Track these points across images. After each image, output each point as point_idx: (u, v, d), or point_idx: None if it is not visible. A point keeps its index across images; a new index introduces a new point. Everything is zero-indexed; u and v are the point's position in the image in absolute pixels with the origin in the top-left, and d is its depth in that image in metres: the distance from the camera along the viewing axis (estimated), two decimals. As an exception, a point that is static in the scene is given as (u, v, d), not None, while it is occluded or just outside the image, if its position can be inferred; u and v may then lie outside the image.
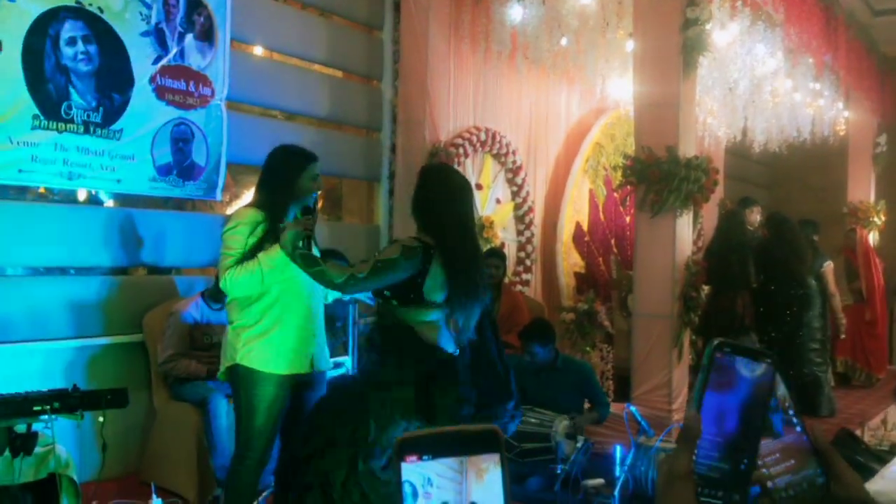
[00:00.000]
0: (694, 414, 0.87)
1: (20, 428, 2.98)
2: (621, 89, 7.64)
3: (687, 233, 5.62)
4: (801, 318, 6.44)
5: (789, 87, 7.94)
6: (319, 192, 3.66)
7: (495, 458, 0.74)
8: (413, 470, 0.71)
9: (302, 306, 3.39)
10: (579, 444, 4.62)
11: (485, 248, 6.61)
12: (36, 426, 3.00)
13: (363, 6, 6.57)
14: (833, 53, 7.77)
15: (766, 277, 6.55)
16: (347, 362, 4.28)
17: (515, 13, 6.35)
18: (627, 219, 7.80)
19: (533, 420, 4.76)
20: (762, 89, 7.72)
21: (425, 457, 0.71)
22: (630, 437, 4.48)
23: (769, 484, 0.88)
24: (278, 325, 3.33)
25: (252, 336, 3.31)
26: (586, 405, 5.23)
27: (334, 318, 5.10)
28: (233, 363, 3.33)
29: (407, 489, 0.71)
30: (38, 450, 3.11)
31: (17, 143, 4.22)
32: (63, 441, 3.51)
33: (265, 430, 3.33)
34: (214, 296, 4.52)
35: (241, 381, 3.32)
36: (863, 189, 9.60)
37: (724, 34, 6.52)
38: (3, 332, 4.17)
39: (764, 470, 0.90)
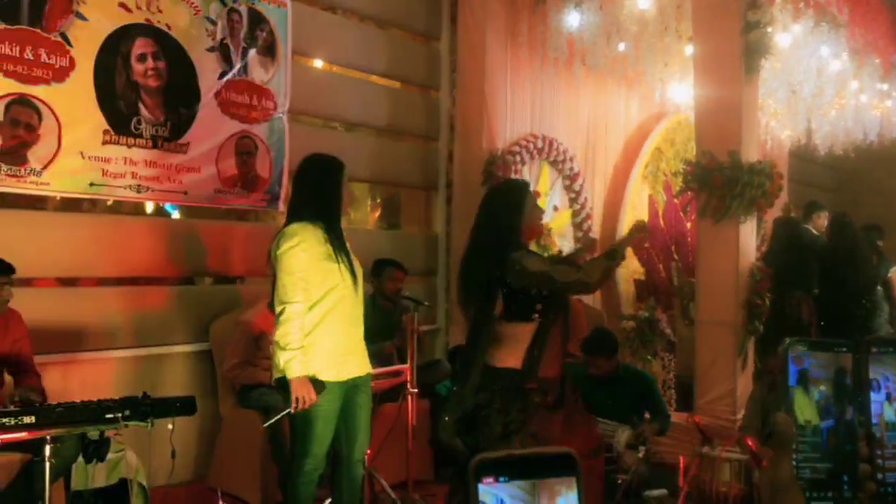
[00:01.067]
0: (785, 417, 0.86)
1: (93, 435, 3.07)
2: (681, 93, 7.55)
3: (751, 239, 5.51)
4: (867, 326, 6.26)
5: (855, 88, 7.75)
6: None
7: (570, 480, 0.75)
8: (488, 491, 0.73)
9: (350, 313, 3.45)
10: (641, 455, 4.57)
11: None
12: (108, 433, 3.09)
13: (421, 17, 6.62)
14: (901, 54, 7.56)
15: (827, 284, 6.39)
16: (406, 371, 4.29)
17: (573, 19, 6.32)
18: (688, 225, 7.68)
19: (595, 430, 4.73)
20: (827, 91, 7.54)
21: (501, 479, 0.72)
22: (694, 447, 4.41)
23: (879, 475, 0.86)
24: (331, 332, 3.39)
25: (310, 344, 3.35)
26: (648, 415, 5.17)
27: (392, 326, 5.15)
28: (279, 375, 3.38)
29: (482, 511, 0.72)
30: (109, 456, 3.21)
31: (89, 157, 4.36)
32: (134, 447, 3.62)
33: (322, 437, 3.37)
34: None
35: (285, 392, 3.37)
36: (932, 191, 9.31)
37: (787, 36, 6.40)
38: (76, 342, 4.32)
39: (879, 461, 0.88)
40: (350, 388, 3.46)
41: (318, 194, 3.48)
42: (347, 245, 3.52)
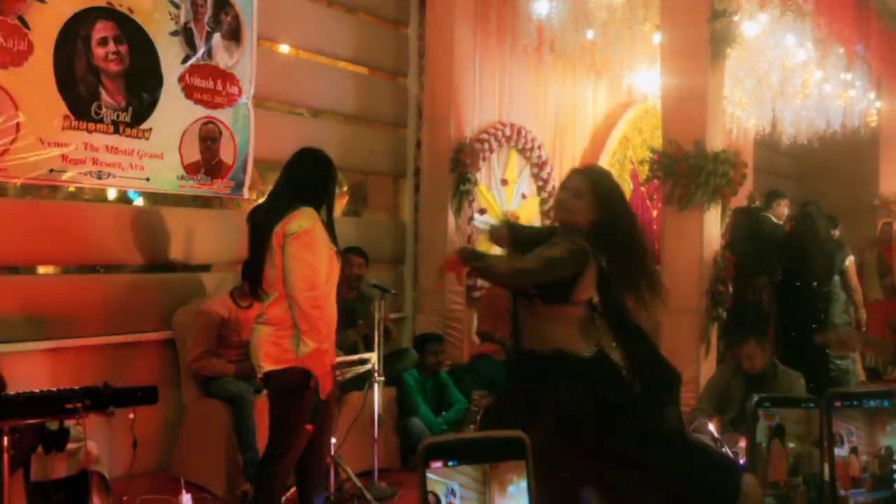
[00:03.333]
0: (753, 480, 0.84)
1: (53, 425, 3.02)
2: (649, 82, 7.58)
3: (715, 227, 5.57)
4: (824, 315, 6.36)
5: (819, 77, 7.83)
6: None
7: (520, 464, 0.74)
8: (438, 477, 0.72)
9: (334, 305, 3.38)
10: None
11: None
12: (67, 423, 3.04)
13: (389, 2, 6.58)
14: (864, 43, 7.65)
15: (786, 272, 6.47)
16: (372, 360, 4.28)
17: (541, 6, 6.32)
18: (654, 213, 7.74)
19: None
20: (792, 81, 7.62)
21: (451, 462, 0.71)
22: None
23: None
24: (332, 321, 3.33)
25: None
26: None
27: (355, 315, 5.12)
28: (288, 366, 3.25)
29: (431, 500, 0.71)
30: (69, 446, 3.16)
31: (48, 143, 4.28)
32: (94, 437, 3.56)
33: (305, 431, 3.33)
34: (244, 294, 4.54)
35: (296, 382, 3.24)
36: (895, 180, 9.44)
37: (754, 25, 6.44)
38: (36, 330, 4.24)
39: None
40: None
41: (323, 182, 3.40)
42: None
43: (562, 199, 3.04)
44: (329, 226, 3.38)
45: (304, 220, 3.22)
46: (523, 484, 0.72)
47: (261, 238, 3.30)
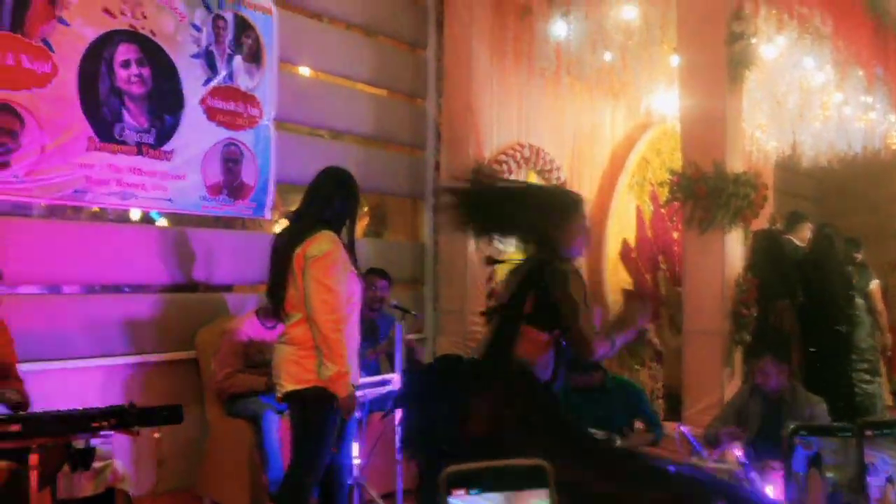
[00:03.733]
0: None
1: (79, 444, 3.04)
2: (667, 104, 7.58)
3: (737, 249, 5.53)
4: (848, 338, 6.30)
5: (839, 100, 7.80)
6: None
7: (542, 493, 0.74)
8: (460, 504, 0.72)
9: (356, 326, 3.40)
10: None
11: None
12: (94, 442, 3.06)
13: (407, 25, 6.63)
14: (884, 66, 7.61)
15: (809, 295, 6.42)
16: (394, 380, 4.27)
17: (559, 29, 6.35)
18: (675, 234, 7.71)
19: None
20: (811, 103, 7.59)
21: (473, 491, 0.72)
22: (682, 457, 4.41)
23: None
24: (352, 342, 3.34)
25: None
26: (637, 425, 5.16)
27: (377, 334, 5.13)
28: (309, 385, 3.27)
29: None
30: (95, 465, 3.18)
31: (73, 164, 4.34)
32: (120, 456, 3.59)
33: (328, 451, 3.34)
34: (269, 314, 4.57)
35: (317, 401, 3.26)
36: (916, 202, 9.37)
37: (772, 48, 6.44)
38: (61, 349, 4.28)
39: None
40: None
41: (339, 204, 3.41)
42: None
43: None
44: (350, 246, 3.41)
45: (324, 244, 3.24)
46: (547, 510, 0.72)
47: (282, 260, 3.32)
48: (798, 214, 7.41)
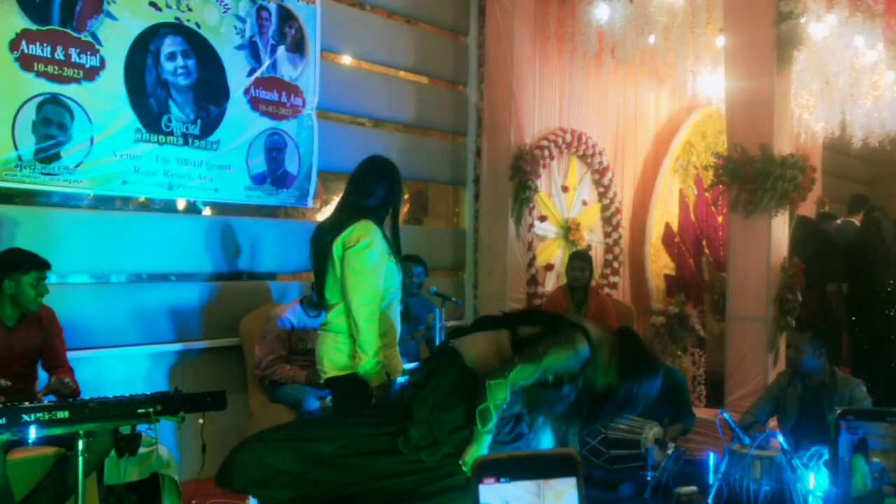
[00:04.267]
0: None
1: (125, 429, 3.12)
2: (713, 86, 7.46)
3: (783, 233, 5.44)
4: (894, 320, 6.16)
5: (891, 79, 7.59)
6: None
7: (572, 481, 0.75)
8: (491, 492, 0.73)
9: (395, 315, 3.42)
10: (670, 451, 4.54)
11: (571, 250, 6.58)
12: (140, 427, 3.14)
13: (449, 12, 6.62)
14: (939, 43, 7.39)
15: (857, 279, 6.29)
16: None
17: (602, 12, 6.28)
18: (720, 219, 7.60)
19: (623, 426, 4.71)
20: (862, 82, 7.40)
21: (503, 479, 0.73)
22: (724, 444, 4.38)
23: None
24: (392, 331, 3.37)
25: (383, 347, 3.31)
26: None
27: (419, 321, 5.16)
28: (349, 372, 3.29)
29: (486, 512, 0.72)
30: (141, 450, 3.26)
31: (121, 155, 4.43)
32: (165, 442, 3.67)
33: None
34: (313, 304, 4.63)
35: (355, 388, 3.29)
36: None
37: (821, 26, 6.29)
38: (109, 337, 4.39)
39: None
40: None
41: (385, 201, 3.41)
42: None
43: None
44: (394, 235, 3.42)
45: (361, 233, 3.24)
46: (575, 497, 0.73)
47: (322, 249, 3.35)
48: (860, 198, 7.25)
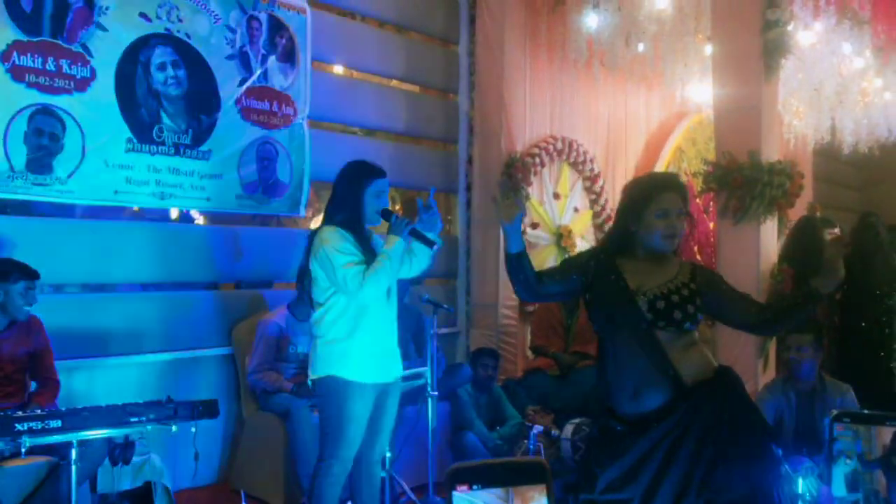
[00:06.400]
0: None
1: (119, 438, 3.14)
2: (702, 93, 7.51)
3: (772, 239, 5.48)
4: (888, 328, 6.18)
5: (879, 85, 7.66)
6: (398, 207, 3.59)
7: (541, 488, 0.77)
8: (464, 499, 0.75)
9: (384, 314, 3.46)
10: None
11: (563, 257, 6.61)
12: (133, 436, 3.15)
13: (439, 21, 6.66)
14: (926, 50, 7.45)
15: (848, 285, 6.31)
16: (426, 373, 4.31)
17: (591, 20, 6.33)
18: (711, 225, 7.64)
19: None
20: (850, 89, 7.47)
21: (475, 486, 0.75)
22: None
23: None
24: (368, 334, 3.39)
25: (345, 347, 3.37)
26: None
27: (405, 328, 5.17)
28: (325, 374, 3.39)
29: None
30: (135, 459, 3.28)
31: (113, 165, 4.45)
32: (158, 450, 3.68)
33: (353, 439, 3.39)
34: (302, 308, 4.66)
35: (333, 391, 3.37)
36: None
37: (808, 34, 6.34)
38: (102, 346, 4.40)
39: None
40: (381, 392, 3.48)
41: (344, 201, 3.48)
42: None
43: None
44: (360, 236, 3.44)
45: (324, 237, 3.38)
46: (544, 501, 0.75)
47: (304, 255, 3.49)
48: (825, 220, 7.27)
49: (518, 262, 2.73)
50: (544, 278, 2.79)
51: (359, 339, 3.38)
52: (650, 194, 2.70)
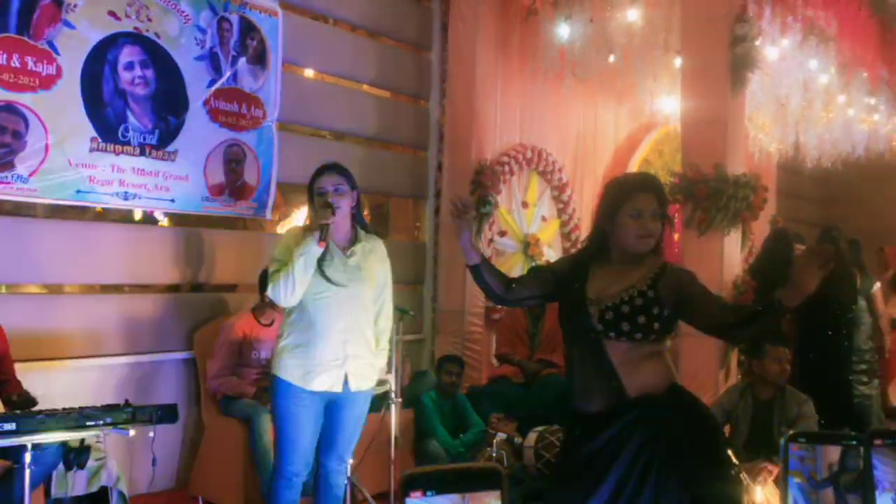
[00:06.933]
0: None
1: (74, 442, 3.08)
2: (670, 105, 7.59)
3: (735, 251, 5.55)
4: (848, 340, 6.28)
5: (843, 101, 7.80)
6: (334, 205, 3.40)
7: (496, 494, 0.77)
8: (417, 507, 0.75)
9: (339, 323, 3.36)
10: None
11: (530, 265, 6.62)
12: (88, 440, 3.10)
13: (412, 27, 6.66)
14: (888, 68, 7.61)
15: (810, 298, 6.38)
16: (390, 381, 4.29)
17: (563, 31, 6.37)
18: (676, 236, 7.71)
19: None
20: (815, 104, 7.60)
21: (429, 493, 0.74)
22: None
23: None
24: (312, 340, 3.33)
25: (287, 349, 3.35)
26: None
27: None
28: (273, 373, 3.40)
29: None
30: (90, 463, 3.22)
31: (76, 164, 4.38)
32: (115, 455, 3.62)
33: (297, 443, 3.35)
34: (264, 312, 4.63)
35: (276, 392, 3.37)
36: (922, 205, 9.36)
37: (775, 49, 6.45)
38: (59, 348, 4.32)
39: None
40: (330, 401, 3.41)
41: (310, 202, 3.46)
42: (354, 259, 3.42)
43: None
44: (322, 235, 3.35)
45: (282, 239, 3.43)
46: (500, 511, 0.75)
47: None
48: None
49: (477, 273, 2.72)
50: (514, 284, 2.78)
51: (303, 342, 3.34)
52: (625, 195, 2.63)
